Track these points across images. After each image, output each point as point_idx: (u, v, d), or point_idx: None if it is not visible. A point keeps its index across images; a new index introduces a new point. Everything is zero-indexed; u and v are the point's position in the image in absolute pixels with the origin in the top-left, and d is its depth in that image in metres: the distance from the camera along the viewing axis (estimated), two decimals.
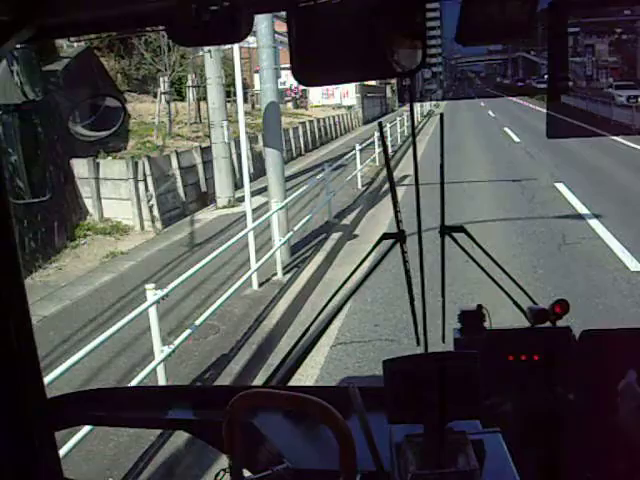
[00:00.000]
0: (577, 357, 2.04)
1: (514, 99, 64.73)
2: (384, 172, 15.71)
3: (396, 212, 1.94)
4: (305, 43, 1.20)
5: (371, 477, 1.43)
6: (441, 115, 1.95)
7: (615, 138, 22.28)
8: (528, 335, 2.16)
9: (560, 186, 14.37)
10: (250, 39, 11.07)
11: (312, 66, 1.22)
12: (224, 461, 1.45)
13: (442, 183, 1.93)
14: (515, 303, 2.26)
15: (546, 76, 1.64)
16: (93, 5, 1.33)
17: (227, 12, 1.27)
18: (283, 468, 1.50)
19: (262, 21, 8.86)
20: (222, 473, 1.46)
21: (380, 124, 2.28)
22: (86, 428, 4.01)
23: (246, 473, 1.49)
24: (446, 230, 2.02)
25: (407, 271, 1.98)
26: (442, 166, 1.94)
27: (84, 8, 1.33)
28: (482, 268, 2.22)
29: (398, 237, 1.96)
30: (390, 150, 21.17)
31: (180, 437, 4.62)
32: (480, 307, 2.31)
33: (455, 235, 2.06)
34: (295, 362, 2.03)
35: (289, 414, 1.79)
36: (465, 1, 1.19)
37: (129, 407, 1.93)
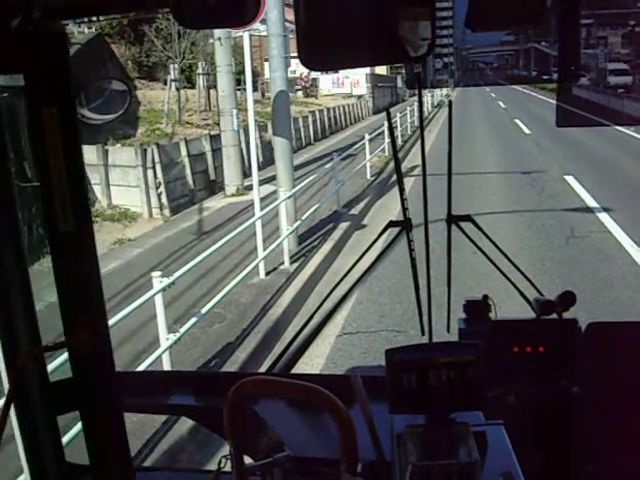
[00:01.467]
0: (583, 349, 2.02)
1: (526, 91, 64.43)
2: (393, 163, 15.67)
3: (402, 200, 1.93)
4: (312, 26, 1.18)
5: (372, 466, 1.42)
6: (449, 102, 1.93)
7: (627, 131, 22.16)
8: (534, 326, 2.15)
9: (570, 179, 14.29)
10: (261, 27, 11.04)
11: (319, 50, 1.20)
12: (227, 448, 1.45)
13: (449, 170, 1.92)
14: (521, 294, 2.24)
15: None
16: None
17: None
18: (284, 456, 1.50)
19: (272, 9, 8.82)
20: (224, 460, 1.46)
21: (388, 112, 2.26)
22: None
23: (247, 460, 1.48)
24: (453, 219, 2.01)
25: (413, 260, 1.97)
26: (450, 153, 1.92)
27: None
28: (488, 258, 2.21)
29: (404, 225, 1.95)
30: (399, 141, 21.10)
31: (185, 424, 4.64)
32: (486, 297, 2.29)
33: (462, 225, 2.05)
34: (298, 350, 2.02)
35: (291, 402, 1.79)
36: None
37: (132, 392, 1.93)
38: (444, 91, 57.13)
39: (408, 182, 11.03)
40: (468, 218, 2.06)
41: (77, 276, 1.41)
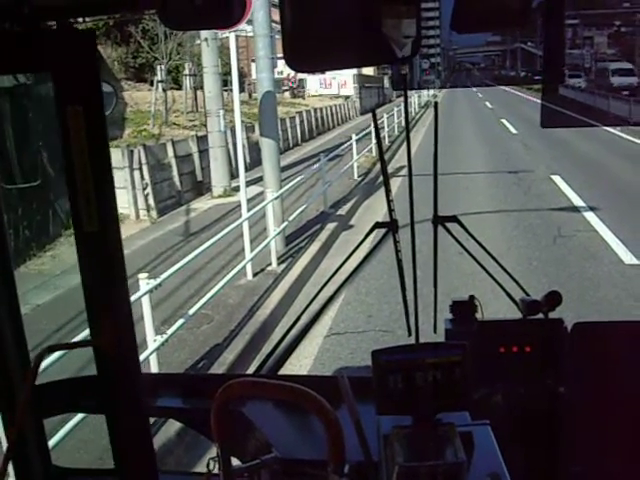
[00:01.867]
0: (569, 349, 2.03)
1: (513, 91, 64.59)
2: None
3: (388, 201, 1.93)
4: (298, 27, 1.18)
5: (359, 467, 1.43)
6: (435, 104, 1.94)
7: (614, 131, 22.27)
8: (520, 326, 2.15)
9: (556, 178, 14.35)
10: (247, 27, 11.03)
11: (305, 51, 1.20)
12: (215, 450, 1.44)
13: (435, 171, 1.92)
14: (508, 294, 2.25)
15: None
16: None
17: None
18: (272, 457, 1.50)
19: (259, 9, 8.81)
20: (212, 462, 1.45)
21: (374, 113, 2.26)
22: (78, 416, 3.99)
23: (235, 462, 1.48)
24: (439, 220, 2.01)
25: (399, 261, 1.97)
26: (436, 154, 1.92)
27: None
28: (475, 258, 2.21)
29: (390, 226, 1.95)
30: (386, 142, 21.13)
31: (172, 425, 4.62)
32: (472, 298, 2.30)
33: (448, 225, 2.05)
34: (286, 351, 2.02)
35: (278, 403, 1.79)
36: None
37: None
38: (431, 91, 57.13)
39: (394, 183, 10.93)
40: (454, 219, 2.06)
41: (102, 276, 1.40)
